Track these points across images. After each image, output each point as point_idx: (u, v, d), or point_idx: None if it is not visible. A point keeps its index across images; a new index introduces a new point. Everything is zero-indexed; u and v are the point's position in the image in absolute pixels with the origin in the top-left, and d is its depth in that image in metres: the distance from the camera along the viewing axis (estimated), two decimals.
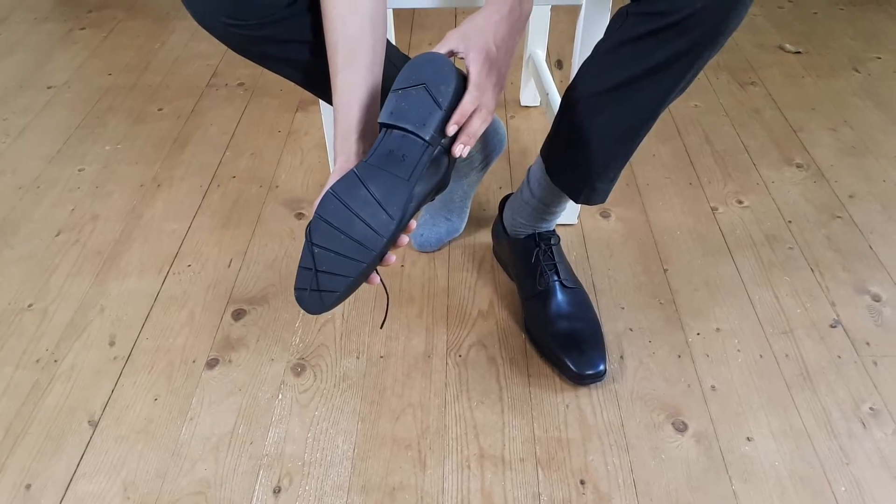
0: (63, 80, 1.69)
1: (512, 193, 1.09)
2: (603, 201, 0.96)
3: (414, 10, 1.99)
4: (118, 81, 1.68)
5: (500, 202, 1.13)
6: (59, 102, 1.61)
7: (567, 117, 0.90)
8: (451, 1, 1.01)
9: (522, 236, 1.06)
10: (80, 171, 1.39)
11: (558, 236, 1.07)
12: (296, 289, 0.77)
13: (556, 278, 1.03)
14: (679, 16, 0.72)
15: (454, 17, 1.94)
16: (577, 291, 1.03)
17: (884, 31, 1.81)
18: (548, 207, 1.01)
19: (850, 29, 1.83)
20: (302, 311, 1.09)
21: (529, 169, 1.02)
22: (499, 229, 1.12)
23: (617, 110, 0.83)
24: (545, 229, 1.05)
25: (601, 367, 0.96)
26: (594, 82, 0.83)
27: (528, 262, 1.05)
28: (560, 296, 1.02)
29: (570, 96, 0.89)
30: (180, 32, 1.90)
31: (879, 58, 1.71)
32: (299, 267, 0.76)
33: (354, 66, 0.79)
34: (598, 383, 0.98)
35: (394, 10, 1.27)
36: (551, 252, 1.04)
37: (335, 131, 0.80)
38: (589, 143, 0.88)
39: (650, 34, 0.75)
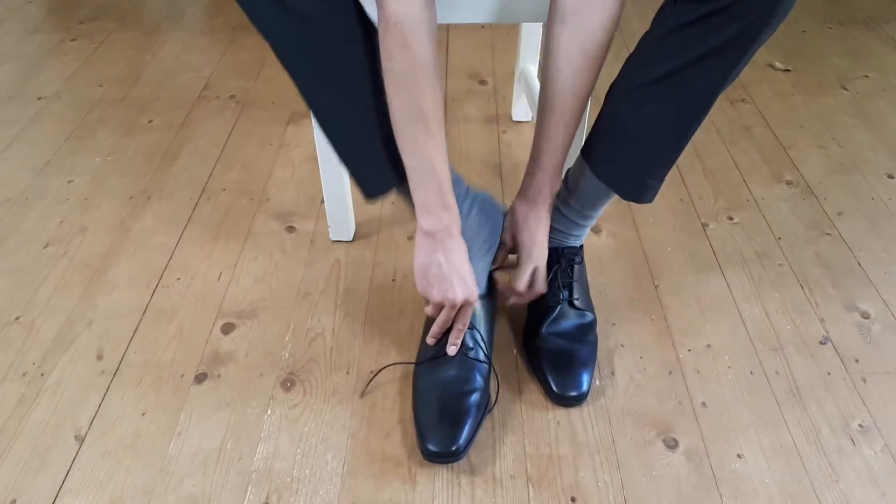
0: (53, 91, 1.69)
1: None
2: (651, 200, 0.94)
3: None
4: (108, 93, 1.68)
5: None
6: (48, 114, 1.60)
7: (614, 112, 0.89)
8: (506, 18, 1.00)
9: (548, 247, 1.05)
10: (69, 182, 1.39)
11: (583, 255, 1.05)
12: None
13: (566, 296, 1.02)
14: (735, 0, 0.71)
15: (446, 30, 1.95)
16: (583, 314, 1.03)
17: (871, 51, 1.84)
18: (583, 212, 0.99)
19: (839, 48, 1.86)
20: (292, 326, 1.09)
21: (567, 172, 1.00)
22: None
23: (668, 101, 0.82)
24: (572, 244, 1.03)
25: (584, 389, 0.96)
26: (643, 73, 0.82)
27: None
28: (565, 314, 1.01)
29: (617, 89, 0.88)
30: (171, 44, 1.90)
31: (867, 76, 1.73)
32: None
33: (441, 126, 0.83)
34: (590, 400, 0.98)
35: None
36: (571, 270, 1.03)
37: (430, 188, 0.84)
38: (639, 137, 0.87)
39: (701, 19, 0.74)
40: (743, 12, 0.72)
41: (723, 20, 0.73)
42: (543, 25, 1.43)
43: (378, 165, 0.89)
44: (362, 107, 0.85)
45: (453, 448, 0.87)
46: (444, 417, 0.89)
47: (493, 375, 0.98)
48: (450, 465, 0.90)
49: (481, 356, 0.95)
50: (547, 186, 0.93)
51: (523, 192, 0.96)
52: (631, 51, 0.87)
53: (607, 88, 0.89)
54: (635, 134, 0.87)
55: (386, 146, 0.87)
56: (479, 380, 0.93)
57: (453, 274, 0.87)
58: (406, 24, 0.76)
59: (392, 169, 0.89)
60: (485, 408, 0.93)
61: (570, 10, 0.82)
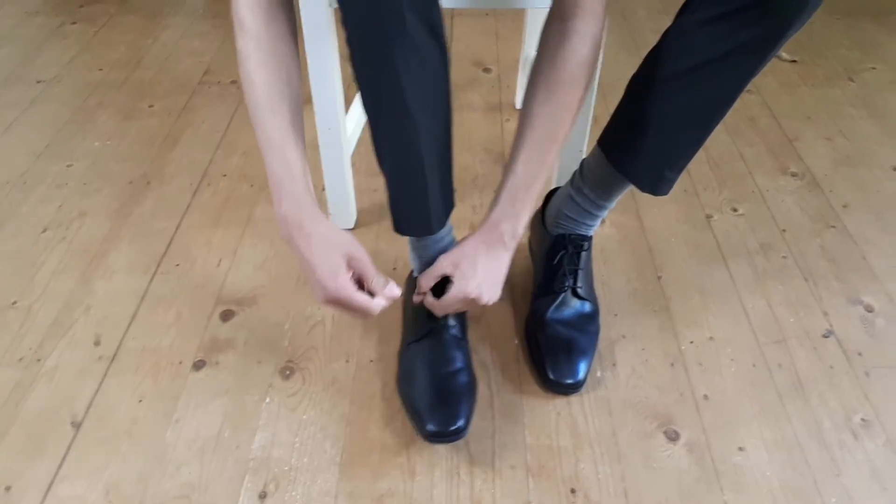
0: (53, 74, 1.67)
1: (558, 187, 1.07)
2: (667, 192, 0.93)
3: None
4: (109, 77, 1.66)
5: (546, 194, 1.10)
6: (48, 97, 1.59)
7: (636, 103, 0.88)
8: (485, 3, 0.99)
9: (556, 234, 1.03)
10: (68, 167, 1.38)
11: (591, 244, 1.04)
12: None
13: (570, 283, 1.01)
14: None
15: (450, 17, 1.93)
16: (585, 303, 1.02)
17: (879, 42, 1.82)
18: (597, 201, 0.98)
19: (846, 39, 1.84)
20: (292, 313, 1.08)
21: (582, 161, 1.00)
22: (537, 220, 1.10)
23: (693, 95, 0.82)
24: (583, 232, 1.02)
25: (580, 378, 0.95)
26: (668, 67, 0.82)
27: (551, 260, 1.02)
28: (567, 302, 1.01)
29: (640, 81, 0.87)
30: (173, 29, 1.88)
31: (874, 68, 1.71)
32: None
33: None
34: (591, 391, 0.97)
35: None
36: (577, 257, 1.02)
37: (276, 164, 0.77)
38: (661, 129, 0.86)
39: (730, 15, 0.74)
40: (771, 10, 0.71)
41: (752, 17, 0.73)
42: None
43: (423, 206, 0.85)
44: (435, 140, 0.81)
45: (453, 427, 0.86)
46: (439, 397, 0.89)
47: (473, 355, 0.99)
48: (449, 455, 0.89)
49: (460, 333, 0.96)
50: (505, 222, 0.84)
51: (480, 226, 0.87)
52: (637, 41, 0.86)
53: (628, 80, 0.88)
54: (657, 126, 0.86)
55: (436, 191, 0.84)
56: (461, 358, 0.93)
57: (308, 273, 0.78)
58: (244, 4, 0.75)
59: (433, 217, 0.86)
60: (475, 388, 0.93)
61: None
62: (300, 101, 0.81)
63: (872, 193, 1.32)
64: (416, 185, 0.81)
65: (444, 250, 0.94)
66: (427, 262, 0.92)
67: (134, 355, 1.01)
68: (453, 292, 0.85)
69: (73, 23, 1.90)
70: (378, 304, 0.79)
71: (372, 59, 0.71)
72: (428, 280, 0.89)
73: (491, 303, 0.87)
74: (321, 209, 0.79)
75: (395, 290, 0.81)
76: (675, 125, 0.85)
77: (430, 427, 0.86)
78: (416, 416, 0.89)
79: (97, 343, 1.03)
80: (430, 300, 0.90)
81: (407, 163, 0.79)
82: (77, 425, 0.92)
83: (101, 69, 1.69)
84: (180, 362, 1.00)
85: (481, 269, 0.85)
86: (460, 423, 0.86)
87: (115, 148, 1.43)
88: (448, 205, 0.88)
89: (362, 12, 0.68)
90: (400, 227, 0.86)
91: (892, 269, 1.16)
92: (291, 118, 0.78)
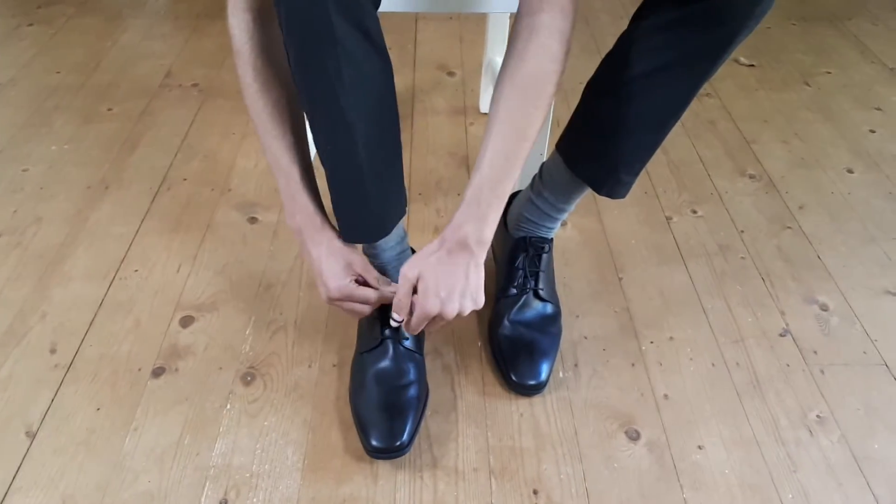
0: (8, 77, 1.64)
1: (520, 190, 1.07)
2: (624, 196, 0.93)
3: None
4: (66, 80, 1.63)
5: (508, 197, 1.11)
6: (3, 101, 1.55)
7: (592, 107, 0.89)
8: (445, 6, 0.99)
9: (517, 236, 1.04)
10: (23, 171, 1.35)
11: (552, 247, 1.04)
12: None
13: (531, 285, 1.02)
14: (717, 1, 0.72)
15: (414, 21, 1.93)
16: (547, 305, 1.02)
17: (833, 47, 1.86)
18: (556, 204, 0.99)
19: (802, 44, 1.88)
20: (253, 319, 1.07)
21: (542, 165, 1.01)
22: (499, 223, 1.10)
23: (647, 99, 0.83)
24: (544, 235, 1.03)
25: (542, 379, 0.95)
26: (623, 71, 0.82)
27: (512, 262, 1.03)
28: (529, 304, 1.01)
29: (596, 85, 0.88)
30: (133, 31, 1.85)
31: (829, 73, 1.75)
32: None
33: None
34: (553, 392, 0.97)
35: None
36: (538, 259, 1.02)
37: (282, 184, 0.85)
38: (617, 132, 0.86)
39: (684, 20, 0.75)
40: (727, 14, 0.73)
41: (701, 24, 0.74)
42: (510, 16, 1.42)
43: (365, 212, 0.85)
44: (382, 146, 0.81)
45: (397, 443, 0.85)
46: (385, 412, 0.88)
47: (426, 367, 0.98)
48: (412, 458, 0.89)
49: (413, 346, 0.94)
50: (469, 225, 0.79)
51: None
52: (599, 45, 0.87)
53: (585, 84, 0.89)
54: (612, 130, 0.87)
55: (380, 197, 0.84)
56: (413, 372, 0.92)
57: (316, 275, 0.86)
58: (237, 36, 0.78)
59: (376, 224, 0.86)
60: (425, 401, 0.93)
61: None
62: (302, 118, 0.83)
63: (827, 195, 1.35)
64: (356, 191, 0.81)
65: (395, 258, 0.94)
66: (378, 269, 0.91)
67: (91, 363, 0.99)
68: (416, 310, 0.81)
69: (30, 24, 1.86)
70: (375, 293, 0.87)
71: (305, 65, 0.71)
72: (403, 301, 0.83)
73: (467, 313, 0.81)
74: (283, 213, 0.78)
75: (393, 286, 0.87)
76: (630, 129, 0.86)
77: (374, 443, 0.86)
78: (361, 429, 0.88)
79: (53, 351, 1.01)
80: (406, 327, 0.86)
81: (346, 168, 0.79)
82: (32, 435, 0.90)
83: (58, 72, 1.66)
84: (139, 369, 0.99)
85: (443, 281, 0.79)
86: (404, 438, 0.86)
87: (73, 152, 1.40)
88: (395, 212, 0.88)
89: (292, 17, 0.68)
90: (342, 233, 0.86)
91: (845, 269, 1.19)
92: (295, 139, 0.83)
